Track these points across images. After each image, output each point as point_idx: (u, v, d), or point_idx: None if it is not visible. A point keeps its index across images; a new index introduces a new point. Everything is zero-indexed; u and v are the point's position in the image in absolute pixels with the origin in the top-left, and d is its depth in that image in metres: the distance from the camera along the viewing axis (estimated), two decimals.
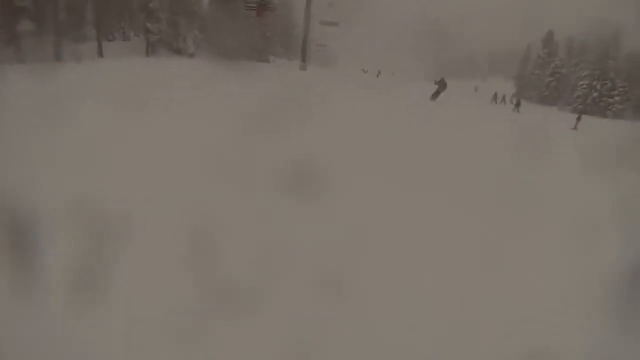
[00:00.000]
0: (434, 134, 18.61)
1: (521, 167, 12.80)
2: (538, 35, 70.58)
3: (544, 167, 13.04)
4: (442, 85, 33.64)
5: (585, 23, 64.54)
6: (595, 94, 57.36)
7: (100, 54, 41.42)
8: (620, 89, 56.21)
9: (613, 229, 8.60)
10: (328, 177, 10.32)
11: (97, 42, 41.84)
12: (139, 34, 48.74)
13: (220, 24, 51.56)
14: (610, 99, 56.74)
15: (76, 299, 6.22)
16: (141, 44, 46.88)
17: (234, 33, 52.25)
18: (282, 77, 33.46)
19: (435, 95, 33.33)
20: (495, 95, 50.55)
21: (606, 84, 57.29)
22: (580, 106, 57.03)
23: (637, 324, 6.11)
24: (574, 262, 7.80)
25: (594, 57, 58.79)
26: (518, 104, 45.59)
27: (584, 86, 57.68)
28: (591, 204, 10.90)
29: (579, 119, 39.36)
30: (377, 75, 62.88)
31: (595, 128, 37.52)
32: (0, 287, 6.42)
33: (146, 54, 45.17)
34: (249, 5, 45.32)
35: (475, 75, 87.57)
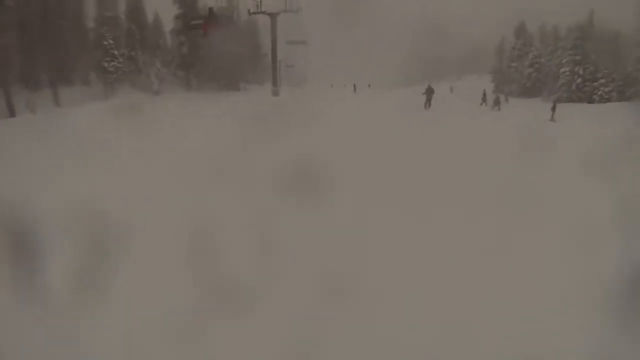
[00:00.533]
0: (425, 139, 19.74)
1: (504, 166, 13.34)
2: (509, 28, 68.08)
3: (522, 166, 13.05)
4: (429, 92, 36.54)
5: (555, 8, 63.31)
6: (578, 80, 54.44)
7: (57, 102, 37.28)
8: (605, 71, 53.22)
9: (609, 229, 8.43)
10: (329, 178, 10.76)
11: (52, 89, 37.59)
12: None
13: (185, 54, 47.93)
14: (594, 83, 53.78)
15: (77, 299, 6.41)
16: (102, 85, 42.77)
17: (201, 63, 48.99)
18: (254, 107, 31.74)
19: (428, 103, 36.04)
20: (484, 96, 46.87)
21: (588, 67, 54.35)
22: (565, 94, 54.40)
23: (637, 324, 5.85)
24: (574, 264, 7.60)
25: (571, 43, 55.93)
26: (498, 102, 43.39)
27: (567, 73, 54.89)
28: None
29: (553, 109, 37.40)
30: (355, 90, 60.83)
31: (576, 117, 34.94)
32: (2, 287, 6.74)
33: (105, 96, 40.89)
34: (194, 23, 39.31)
35: (447, 75, 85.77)
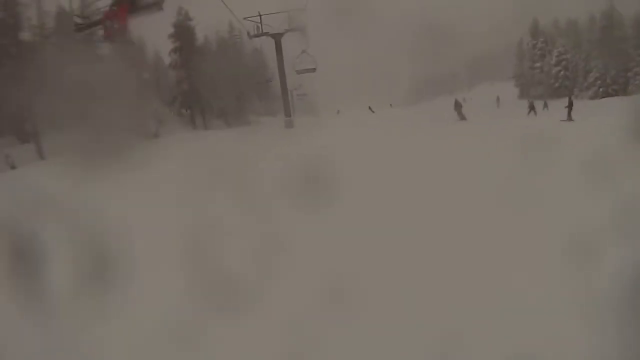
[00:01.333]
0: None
1: (521, 174, 12.53)
2: (519, 29, 63.26)
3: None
4: (458, 106, 41.00)
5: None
6: (612, 72, 49.18)
7: (41, 154, 32.03)
8: (638, 58, 48.04)
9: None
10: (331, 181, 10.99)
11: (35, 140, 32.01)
12: None
13: (186, 91, 42.10)
14: (629, 73, 48.68)
15: (78, 300, 6.51)
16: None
17: (204, 99, 43.14)
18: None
19: (462, 116, 39.97)
20: (531, 105, 41.81)
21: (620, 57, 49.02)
22: (601, 89, 49.51)
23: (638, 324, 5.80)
24: (573, 267, 7.15)
25: (598, 33, 50.88)
26: (532, 107, 40.23)
27: (599, 66, 49.60)
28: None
29: (570, 106, 32.61)
30: (373, 112, 57.60)
31: (602, 114, 30.52)
32: (3, 289, 7.01)
33: None
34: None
35: (457, 87, 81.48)
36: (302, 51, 41.71)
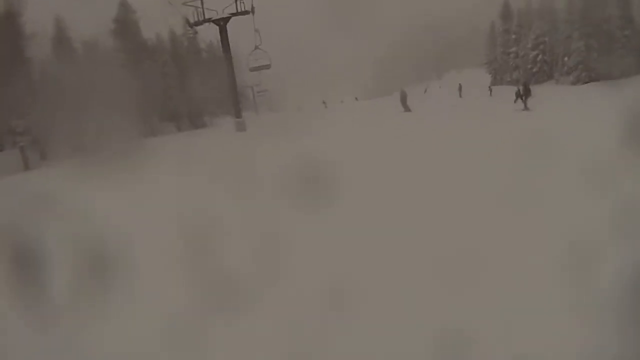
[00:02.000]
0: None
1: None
2: (491, 14, 60.25)
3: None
4: (403, 95, 37.76)
5: None
6: (595, 55, 46.59)
7: None
8: (623, 39, 44.75)
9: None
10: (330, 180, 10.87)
11: None
12: None
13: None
14: (613, 55, 44.95)
15: (78, 300, 6.49)
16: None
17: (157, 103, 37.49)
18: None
19: (406, 107, 36.78)
20: (518, 92, 34.45)
21: (601, 39, 46.00)
22: (584, 73, 46.63)
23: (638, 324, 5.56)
24: (574, 267, 6.53)
25: (578, 14, 47.54)
26: (519, 94, 30.86)
27: (582, 49, 46.89)
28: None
29: (526, 93, 28.94)
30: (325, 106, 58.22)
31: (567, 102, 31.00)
32: (2, 289, 6.94)
33: (25, 165, 29.21)
34: None
35: (424, 78, 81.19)
36: (255, 47, 39.20)
